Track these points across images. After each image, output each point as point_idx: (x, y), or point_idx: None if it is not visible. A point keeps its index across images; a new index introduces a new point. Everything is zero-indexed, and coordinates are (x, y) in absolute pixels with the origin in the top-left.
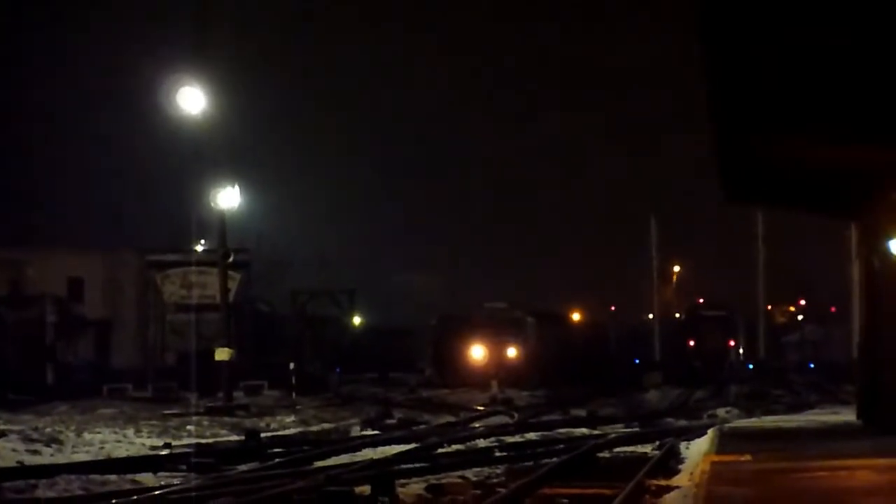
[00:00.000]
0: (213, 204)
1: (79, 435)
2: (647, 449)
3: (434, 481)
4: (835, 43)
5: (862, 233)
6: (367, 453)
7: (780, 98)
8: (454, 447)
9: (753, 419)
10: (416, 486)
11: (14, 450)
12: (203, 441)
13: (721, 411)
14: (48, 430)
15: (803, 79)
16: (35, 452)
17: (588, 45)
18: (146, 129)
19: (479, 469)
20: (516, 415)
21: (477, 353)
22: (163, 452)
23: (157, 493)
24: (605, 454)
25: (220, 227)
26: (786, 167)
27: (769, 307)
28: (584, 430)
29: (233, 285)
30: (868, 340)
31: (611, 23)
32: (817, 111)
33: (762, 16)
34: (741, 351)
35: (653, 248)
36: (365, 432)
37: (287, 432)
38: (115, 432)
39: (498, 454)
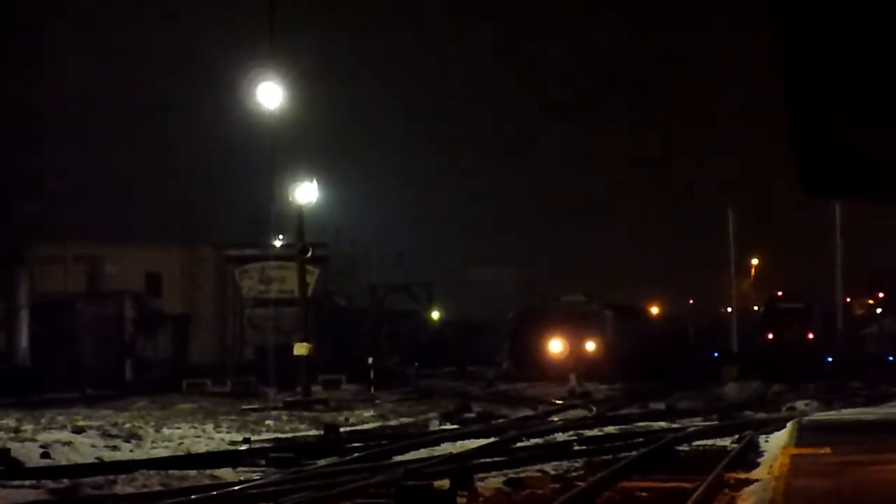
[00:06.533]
0: (291, 199)
1: (158, 430)
2: (725, 442)
3: (513, 475)
4: None
5: None
6: (446, 447)
7: (858, 86)
8: (533, 441)
9: (832, 412)
10: (494, 480)
11: (93, 445)
12: (282, 436)
13: (800, 404)
14: (127, 425)
15: (880, 64)
16: (114, 448)
17: (664, 41)
18: (224, 124)
19: (557, 462)
20: (595, 408)
21: (555, 346)
22: (242, 447)
23: (236, 488)
24: (684, 447)
25: (299, 221)
26: (862, 158)
27: (847, 299)
28: (663, 424)
29: (311, 280)
30: None
31: (687, 17)
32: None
33: None
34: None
35: (731, 240)
36: (443, 426)
37: (366, 426)
38: (194, 427)
39: (577, 448)
